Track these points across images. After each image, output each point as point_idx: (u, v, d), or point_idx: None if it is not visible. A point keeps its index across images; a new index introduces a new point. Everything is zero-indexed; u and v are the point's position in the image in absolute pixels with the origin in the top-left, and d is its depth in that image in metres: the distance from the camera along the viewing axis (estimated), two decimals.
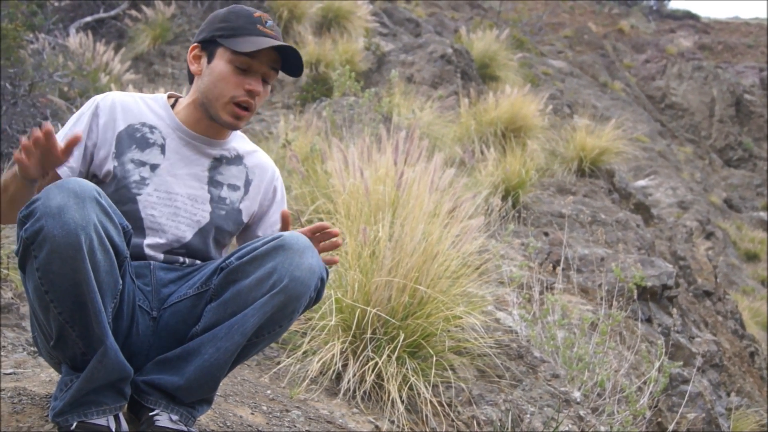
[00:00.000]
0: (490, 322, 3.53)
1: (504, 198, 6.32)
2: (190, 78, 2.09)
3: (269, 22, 2.02)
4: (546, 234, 5.71)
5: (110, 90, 6.15)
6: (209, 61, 2.01)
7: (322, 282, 1.86)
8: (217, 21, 2.02)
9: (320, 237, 2.00)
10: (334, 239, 2.00)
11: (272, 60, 2.01)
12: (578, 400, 3.17)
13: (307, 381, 2.76)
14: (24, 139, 1.71)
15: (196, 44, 2.04)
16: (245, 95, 1.99)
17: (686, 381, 4.06)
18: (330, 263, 1.99)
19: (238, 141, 2.16)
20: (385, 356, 2.83)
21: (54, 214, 1.58)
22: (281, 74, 2.09)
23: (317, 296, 1.87)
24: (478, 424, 2.81)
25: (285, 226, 1.98)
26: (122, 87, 7.28)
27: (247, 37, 1.97)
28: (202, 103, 2.03)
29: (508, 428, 2.82)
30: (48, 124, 1.70)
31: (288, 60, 2.03)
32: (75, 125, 1.99)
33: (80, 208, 1.60)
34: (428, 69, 9.56)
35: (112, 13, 10.12)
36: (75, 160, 1.96)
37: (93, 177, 1.99)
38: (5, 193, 1.83)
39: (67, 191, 1.60)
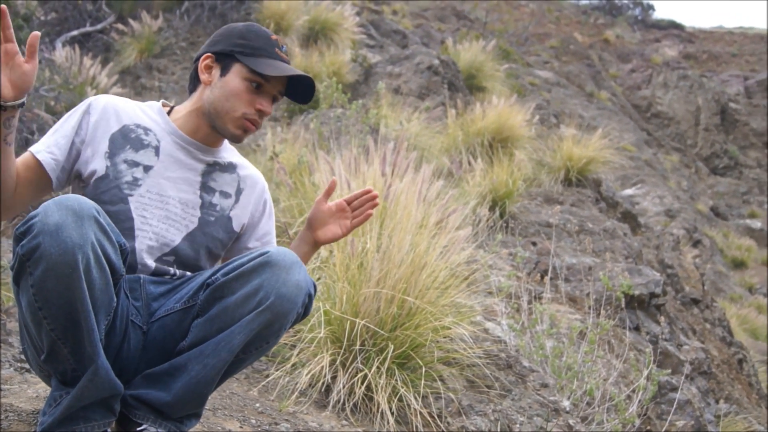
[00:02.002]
0: (478, 332, 3.53)
1: (491, 208, 6.34)
2: (192, 86, 2.09)
3: (284, 47, 2.06)
4: (534, 244, 5.73)
5: None
6: (223, 74, 2.01)
7: (310, 298, 1.86)
8: (235, 36, 2.02)
9: (356, 205, 2.18)
10: (370, 210, 2.20)
11: (283, 85, 2.05)
12: (567, 409, 3.17)
13: (296, 393, 2.75)
14: None
15: (209, 54, 2.04)
16: (255, 114, 2.01)
17: (675, 388, 4.08)
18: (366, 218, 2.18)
19: (228, 151, 2.17)
20: (374, 368, 2.83)
21: (51, 231, 1.57)
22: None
23: (305, 312, 1.87)
24: None
25: (329, 192, 2.18)
26: None
27: (267, 59, 2.00)
28: (207, 113, 2.03)
29: None
30: (2, 6, 1.66)
31: (298, 88, 2.06)
32: (65, 122, 1.98)
33: (78, 226, 1.59)
34: (415, 80, 9.59)
35: (99, 26, 10.10)
36: (60, 152, 1.94)
37: (77, 176, 1.98)
38: None
39: (65, 209, 1.60)
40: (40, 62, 7.49)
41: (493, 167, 6.88)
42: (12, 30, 1.68)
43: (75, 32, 9.68)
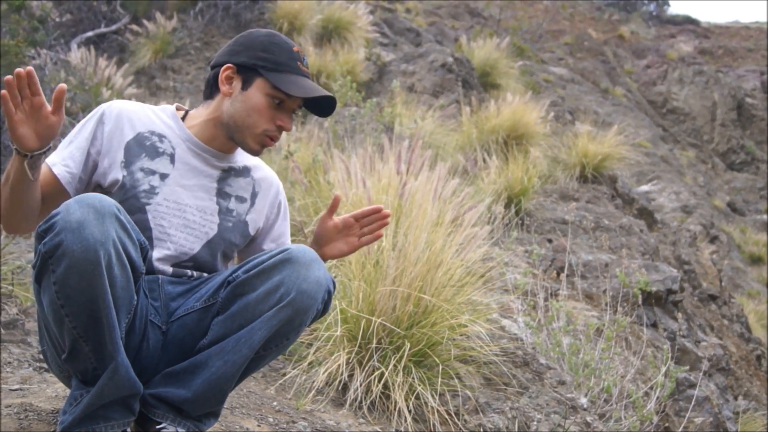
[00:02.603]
0: (495, 329, 3.52)
1: (507, 205, 6.33)
2: (209, 93, 2.06)
3: (305, 59, 2.03)
4: (549, 241, 5.71)
5: None
6: (244, 88, 1.98)
7: (329, 294, 1.87)
8: (257, 49, 1.98)
9: (365, 222, 2.10)
10: (380, 231, 2.14)
11: (304, 99, 2.02)
12: (585, 406, 3.16)
13: (313, 392, 2.76)
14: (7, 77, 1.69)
15: (230, 65, 2.00)
16: (276, 130, 2.00)
17: (693, 385, 4.05)
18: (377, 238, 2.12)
19: (242, 154, 2.15)
20: (391, 366, 2.83)
21: (74, 228, 1.58)
22: None
23: (324, 308, 1.88)
24: (485, 431, 2.80)
25: (333, 209, 2.08)
26: None
27: (290, 75, 1.97)
28: (226, 125, 2.01)
29: None
30: (30, 68, 1.69)
31: (320, 103, 2.03)
32: (80, 132, 1.97)
33: (100, 223, 1.60)
34: (429, 78, 9.58)
35: (113, 27, 10.16)
36: (75, 164, 1.94)
37: (97, 186, 1.97)
38: (5, 184, 1.81)
39: (87, 206, 1.61)
40: (55, 63, 7.55)
41: (508, 164, 6.86)
42: (39, 85, 1.70)
43: (90, 33, 9.74)
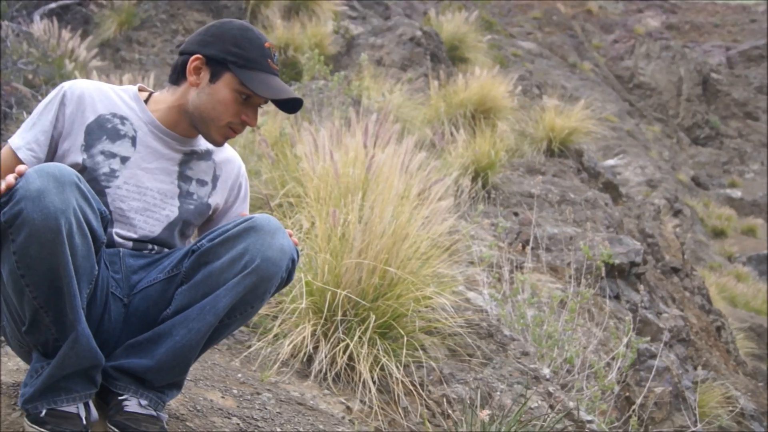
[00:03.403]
0: (460, 302, 3.56)
1: (474, 179, 6.36)
2: (175, 78, 2.03)
3: (276, 56, 2.01)
4: (516, 214, 5.76)
5: (75, 77, 6.07)
6: (212, 81, 1.96)
7: (293, 263, 1.88)
8: (229, 43, 1.95)
9: None
10: None
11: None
12: (548, 376, 3.22)
13: (278, 364, 2.77)
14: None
15: (200, 56, 1.96)
16: (240, 124, 1.99)
17: (654, 356, 4.14)
18: None
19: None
20: (356, 338, 2.85)
21: (34, 197, 1.56)
22: None
23: (288, 277, 1.89)
24: (449, 402, 2.84)
25: None
26: (88, 74, 7.17)
27: (260, 73, 1.95)
28: (190, 114, 1.99)
29: (477, 406, 2.86)
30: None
31: (288, 103, 2.00)
32: (42, 114, 1.93)
33: (60, 192, 1.59)
34: (397, 52, 9.54)
35: None
36: (41, 148, 1.91)
37: None
38: None
39: (47, 175, 1.59)
40: (17, 35, 7.40)
41: (476, 138, 6.88)
42: None
43: (53, 5, 9.53)
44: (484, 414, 2.17)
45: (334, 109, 6.21)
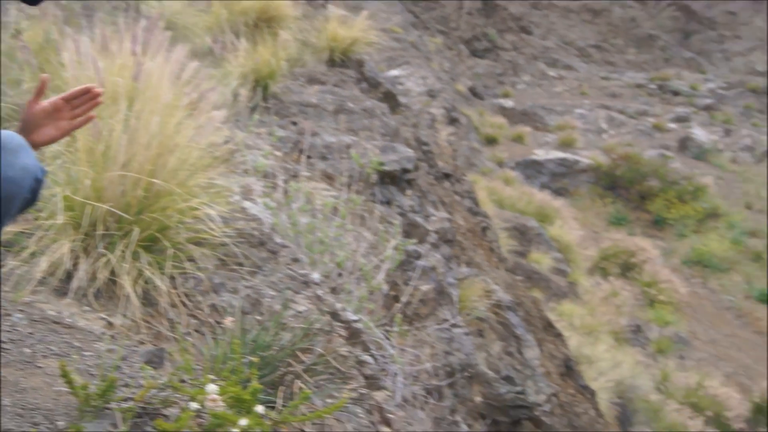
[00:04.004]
0: (235, 212, 3.57)
1: (254, 88, 6.28)
2: None
3: None
4: (294, 123, 5.79)
5: None
6: None
7: (39, 182, 1.78)
8: None
9: (76, 104, 1.96)
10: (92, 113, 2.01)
11: None
12: (317, 281, 3.34)
13: (33, 283, 2.65)
14: None
15: None
16: None
17: (421, 256, 4.41)
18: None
19: None
20: (118, 252, 2.78)
21: None
22: None
23: (33, 197, 1.79)
24: (218, 311, 2.88)
25: (41, 92, 1.92)
26: None
27: None
28: None
29: (248, 312, 2.92)
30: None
31: None
32: None
33: None
34: None
35: None
36: None
37: None
38: None
39: None
40: None
41: (257, 47, 6.76)
42: None
43: None
44: (229, 321, 2.24)
45: (106, 14, 5.83)
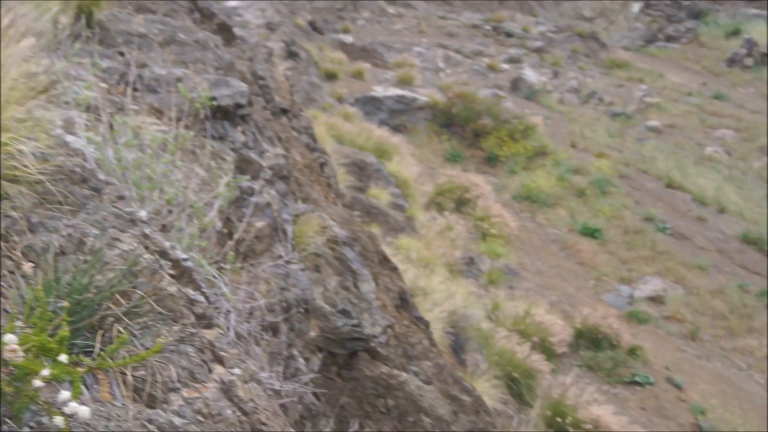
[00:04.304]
0: (59, 146, 3.37)
1: (77, 15, 5.88)
2: None
3: None
4: (121, 54, 5.49)
5: None
6: None
7: None
8: None
9: None
10: None
11: None
12: (144, 218, 3.24)
13: None
14: None
15: None
16: None
17: (254, 193, 4.38)
18: None
19: None
20: None
21: None
22: None
23: None
24: (36, 252, 2.74)
25: None
26: None
27: None
28: None
29: (69, 253, 2.80)
30: None
31: None
32: None
33: None
34: None
35: None
36: None
37: None
38: None
39: None
40: None
41: None
42: None
43: None
44: (28, 266, 2.15)
45: None
